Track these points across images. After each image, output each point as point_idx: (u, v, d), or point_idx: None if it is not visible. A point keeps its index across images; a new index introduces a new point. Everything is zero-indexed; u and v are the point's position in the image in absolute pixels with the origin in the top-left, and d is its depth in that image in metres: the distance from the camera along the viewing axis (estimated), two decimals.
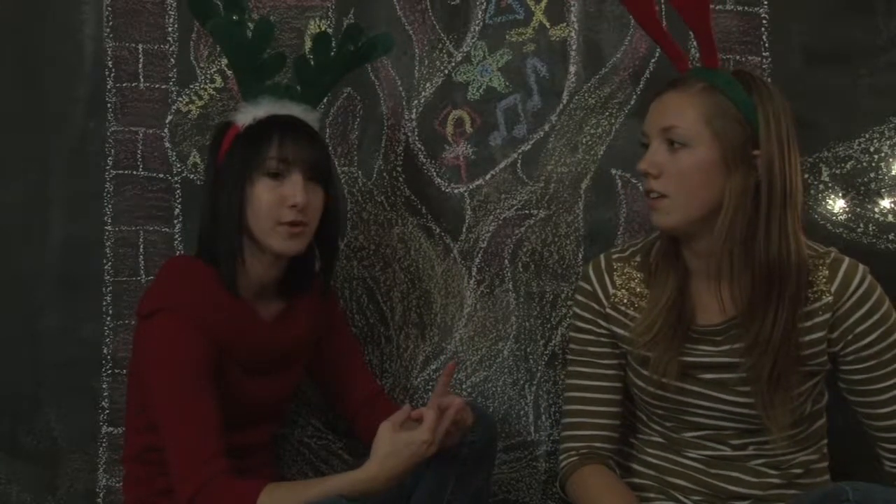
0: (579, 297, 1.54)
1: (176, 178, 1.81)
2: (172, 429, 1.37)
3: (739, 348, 1.39)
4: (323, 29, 1.81)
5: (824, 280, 1.39)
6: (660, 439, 1.51)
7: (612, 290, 1.49)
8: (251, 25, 1.56)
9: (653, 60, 1.81)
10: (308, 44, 1.80)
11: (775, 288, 1.35)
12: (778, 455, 1.44)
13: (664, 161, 1.37)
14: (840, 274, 1.39)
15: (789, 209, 1.35)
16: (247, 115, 1.49)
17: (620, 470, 1.52)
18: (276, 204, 1.44)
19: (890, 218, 1.79)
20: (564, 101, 1.83)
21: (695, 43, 1.78)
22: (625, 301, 1.48)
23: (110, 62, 1.82)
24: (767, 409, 1.38)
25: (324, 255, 1.58)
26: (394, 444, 1.33)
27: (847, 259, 1.41)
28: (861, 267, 1.40)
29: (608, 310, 1.49)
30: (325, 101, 1.80)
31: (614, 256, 1.52)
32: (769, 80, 1.74)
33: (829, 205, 1.80)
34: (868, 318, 1.38)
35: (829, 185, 1.81)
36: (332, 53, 1.58)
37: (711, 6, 1.78)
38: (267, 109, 1.49)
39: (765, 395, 1.37)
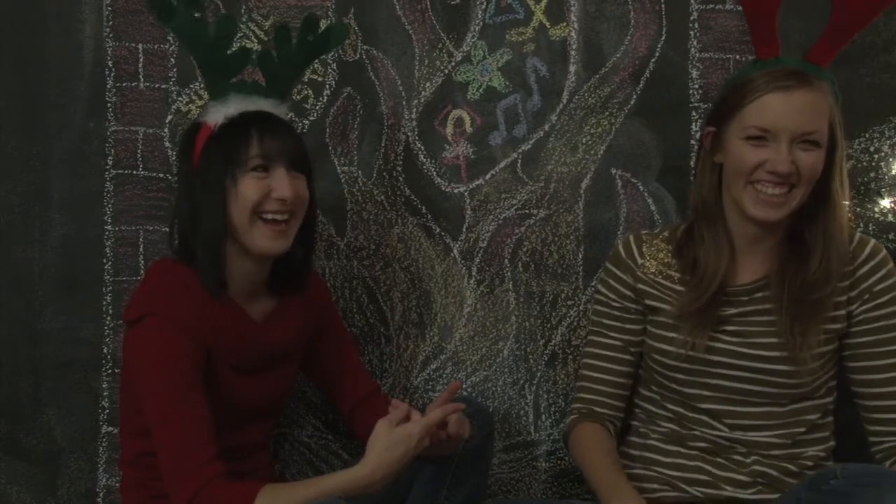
0: (608, 266, 1.60)
1: (176, 178, 1.81)
2: (165, 435, 1.37)
3: (768, 296, 1.47)
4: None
5: None
6: (669, 425, 1.53)
7: (640, 261, 1.56)
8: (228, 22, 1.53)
9: (653, 60, 1.81)
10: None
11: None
12: (789, 447, 1.46)
13: (796, 159, 1.41)
14: (856, 237, 1.50)
15: None
16: (217, 114, 1.46)
17: (626, 459, 1.55)
18: (262, 197, 1.42)
19: (890, 217, 1.78)
20: (564, 101, 1.83)
21: (695, 38, 1.79)
22: (653, 270, 1.55)
23: (110, 62, 1.82)
24: (791, 339, 1.43)
25: (302, 248, 1.54)
26: (391, 439, 1.36)
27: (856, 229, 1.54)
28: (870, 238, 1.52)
29: (638, 273, 1.55)
30: (322, 100, 1.81)
31: (643, 233, 1.60)
32: None
33: None
34: (885, 280, 1.47)
35: None
36: (294, 45, 1.55)
37: (711, 6, 1.79)
38: (237, 107, 1.47)
39: (791, 327, 1.43)
